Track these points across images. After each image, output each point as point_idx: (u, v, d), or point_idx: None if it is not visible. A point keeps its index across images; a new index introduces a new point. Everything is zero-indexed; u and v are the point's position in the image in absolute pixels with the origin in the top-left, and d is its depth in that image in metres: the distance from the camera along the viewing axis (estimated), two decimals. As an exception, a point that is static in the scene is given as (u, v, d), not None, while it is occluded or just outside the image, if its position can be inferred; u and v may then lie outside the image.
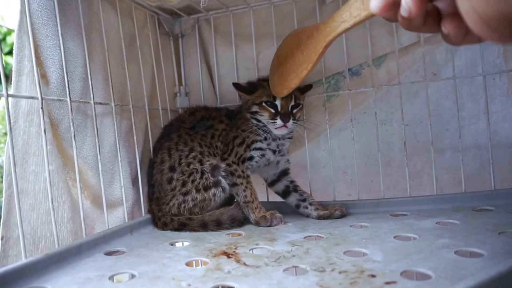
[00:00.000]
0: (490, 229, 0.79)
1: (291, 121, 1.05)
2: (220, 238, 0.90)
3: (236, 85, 1.13)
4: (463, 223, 0.87)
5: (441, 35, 0.47)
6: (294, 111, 1.08)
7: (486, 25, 0.38)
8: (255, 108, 1.09)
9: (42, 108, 0.79)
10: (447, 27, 0.45)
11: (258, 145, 1.10)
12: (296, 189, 1.14)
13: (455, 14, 0.43)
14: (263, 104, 1.08)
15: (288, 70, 0.91)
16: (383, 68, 1.25)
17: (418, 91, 1.23)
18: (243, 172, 1.07)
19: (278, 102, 1.07)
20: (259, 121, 1.09)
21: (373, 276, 0.60)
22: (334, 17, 0.66)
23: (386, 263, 0.65)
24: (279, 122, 1.05)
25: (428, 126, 1.14)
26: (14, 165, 0.70)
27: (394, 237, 0.80)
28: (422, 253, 0.68)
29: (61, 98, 0.87)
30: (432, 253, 0.68)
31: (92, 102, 0.94)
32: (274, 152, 1.12)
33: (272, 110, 1.07)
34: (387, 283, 0.57)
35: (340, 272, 0.62)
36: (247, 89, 1.12)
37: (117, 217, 1.03)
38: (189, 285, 0.61)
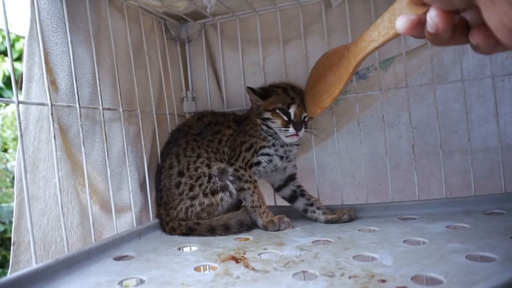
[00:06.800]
0: (502, 233, 0.78)
1: (303, 130, 1.05)
2: (228, 243, 0.90)
3: (251, 90, 1.11)
4: (474, 226, 0.86)
5: (471, 46, 0.46)
6: (306, 119, 1.08)
7: None
8: (267, 115, 1.08)
9: (52, 114, 0.80)
10: (476, 38, 0.44)
11: (266, 150, 1.09)
12: (303, 193, 1.14)
13: (484, 25, 0.42)
14: (277, 111, 1.07)
15: (321, 91, 0.93)
16: (390, 71, 1.25)
17: (425, 93, 1.22)
18: (250, 177, 1.07)
19: (292, 110, 1.06)
20: (270, 127, 1.09)
21: (383, 281, 0.59)
22: (363, 36, 0.68)
23: (396, 268, 0.64)
24: (291, 130, 1.05)
25: (436, 129, 1.13)
26: (25, 171, 0.71)
27: (404, 241, 0.79)
28: (432, 258, 0.68)
29: (70, 104, 0.88)
30: (442, 257, 0.67)
31: (100, 108, 0.95)
32: (281, 158, 1.11)
33: (285, 118, 1.06)
34: (398, 288, 0.56)
35: (349, 277, 0.62)
36: (260, 94, 1.11)
37: (126, 222, 1.03)
38: (198, 290, 0.61)
